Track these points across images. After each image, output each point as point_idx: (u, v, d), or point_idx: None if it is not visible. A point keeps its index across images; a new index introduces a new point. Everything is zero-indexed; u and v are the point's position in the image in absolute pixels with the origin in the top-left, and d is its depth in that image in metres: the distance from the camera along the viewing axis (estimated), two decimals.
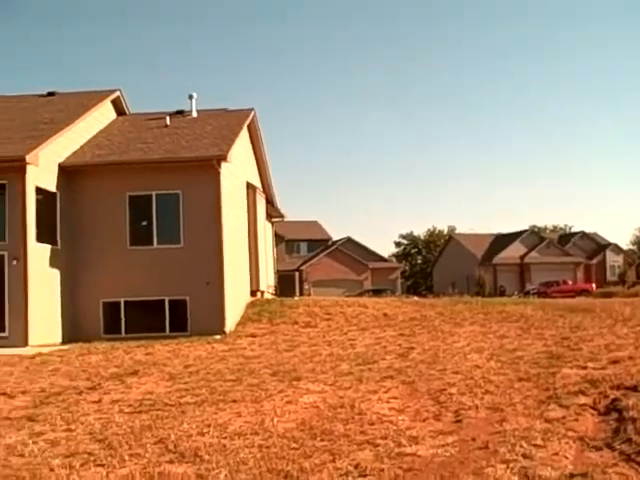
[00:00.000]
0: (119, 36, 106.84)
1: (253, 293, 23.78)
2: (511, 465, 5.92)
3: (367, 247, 65.69)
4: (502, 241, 70.69)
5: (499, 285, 62.97)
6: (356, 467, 6.18)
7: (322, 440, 7.08)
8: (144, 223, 20.38)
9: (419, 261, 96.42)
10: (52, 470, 6.24)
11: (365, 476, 6.00)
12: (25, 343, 17.77)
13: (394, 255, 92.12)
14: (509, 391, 8.77)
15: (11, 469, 6.32)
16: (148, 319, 19.91)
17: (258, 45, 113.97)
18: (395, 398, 8.96)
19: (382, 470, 6.07)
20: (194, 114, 24.73)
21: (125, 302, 20.03)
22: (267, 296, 25.38)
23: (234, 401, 9.23)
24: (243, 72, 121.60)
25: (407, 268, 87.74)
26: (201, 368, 12.29)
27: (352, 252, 62.06)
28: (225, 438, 7.34)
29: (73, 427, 8.04)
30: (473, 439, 6.81)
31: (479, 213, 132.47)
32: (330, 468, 6.18)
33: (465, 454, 6.35)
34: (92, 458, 6.68)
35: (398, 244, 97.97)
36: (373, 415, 8.07)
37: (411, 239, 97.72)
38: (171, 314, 19.90)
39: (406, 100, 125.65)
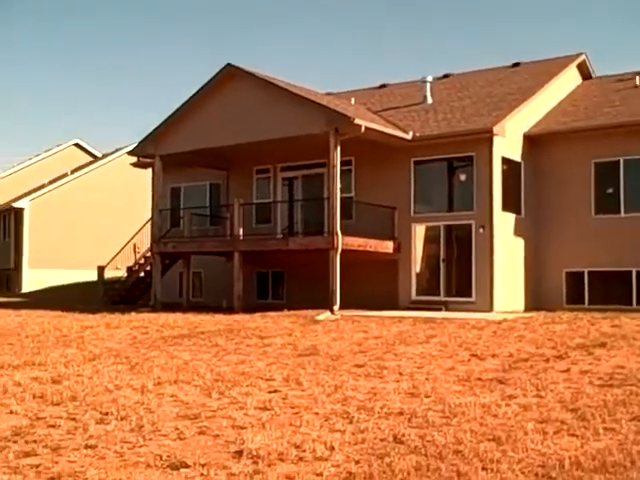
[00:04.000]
0: None
1: None
2: None
3: None
4: None
5: None
6: None
7: None
8: (610, 191, 19.51)
9: None
10: (526, 434, 6.30)
11: None
12: (490, 308, 18.46)
13: None
14: None
15: (487, 427, 6.55)
16: (612, 290, 19.14)
17: None
18: None
19: None
20: None
21: (589, 272, 19.49)
22: None
23: None
24: None
25: None
26: None
27: None
28: None
29: (543, 394, 8.03)
30: None
31: None
32: None
33: None
34: (564, 427, 6.57)
35: None
36: None
37: None
38: (639, 286, 18.80)
39: None
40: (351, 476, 5.20)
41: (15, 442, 6.13)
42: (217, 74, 20.77)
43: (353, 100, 23.70)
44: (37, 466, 5.42)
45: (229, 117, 20.57)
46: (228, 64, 20.59)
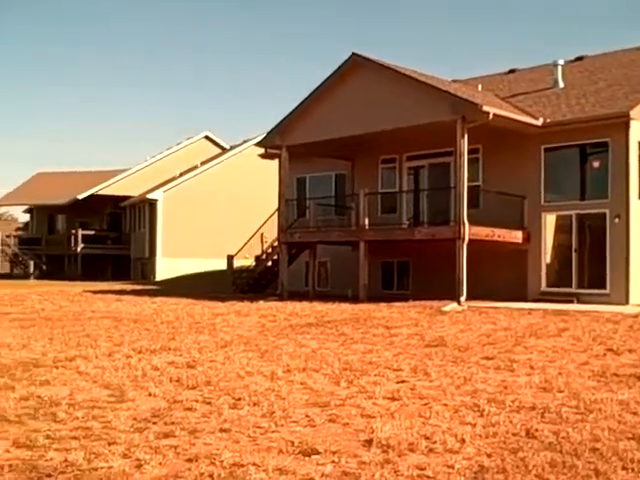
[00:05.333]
0: None
1: None
2: None
3: None
4: None
5: None
6: None
7: None
8: None
9: None
10: None
11: None
12: (625, 301, 17.67)
13: None
14: None
15: (626, 425, 6.27)
16: None
17: None
18: None
19: None
20: None
21: None
22: None
23: None
24: None
25: None
26: None
27: None
28: None
29: None
30: None
31: None
32: None
33: None
34: None
35: None
36: None
37: None
38: None
39: None
40: (483, 470, 5.11)
41: (154, 423, 6.40)
42: (343, 64, 20.85)
43: (480, 87, 23.21)
44: (175, 447, 5.64)
45: (354, 107, 20.62)
46: (353, 53, 20.64)
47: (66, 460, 5.28)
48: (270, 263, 25.22)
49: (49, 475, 5.01)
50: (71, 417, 6.60)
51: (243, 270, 26.59)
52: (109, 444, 5.70)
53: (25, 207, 56.97)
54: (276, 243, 24.28)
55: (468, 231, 17.99)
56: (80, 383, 8.22)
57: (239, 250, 26.75)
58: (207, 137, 47.19)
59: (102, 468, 5.12)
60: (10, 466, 5.14)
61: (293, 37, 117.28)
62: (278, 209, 23.31)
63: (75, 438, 5.87)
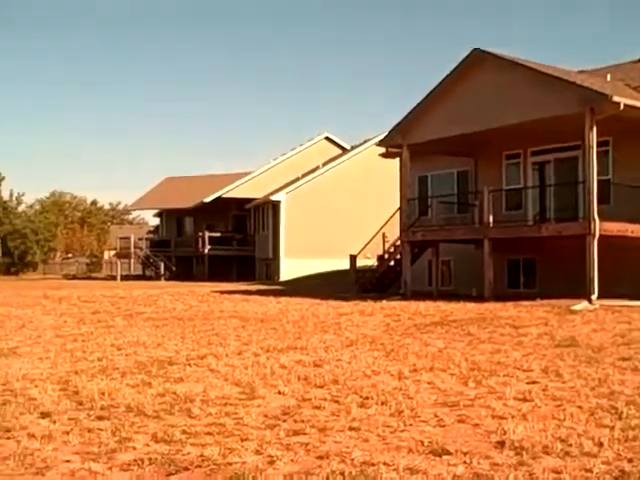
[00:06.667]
0: None
1: None
2: None
3: None
4: None
5: None
6: None
7: None
8: None
9: None
10: None
11: None
12: None
13: None
14: None
15: None
16: None
17: None
18: None
19: None
20: None
21: None
22: None
23: None
24: None
25: None
26: None
27: None
28: None
29: None
30: None
31: None
32: None
33: None
34: None
35: None
36: None
37: None
38: None
39: None
40: (624, 475, 4.88)
41: (284, 421, 6.51)
42: (464, 60, 20.53)
43: (609, 77, 22.26)
44: (306, 444, 5.71)
45: (476, 102, 20.27)
46: (475, 49, 20.28)
47: (202, 455, 5.45)
48: (392, 262, 25.15)
49: (186, 469, 5.19)
50: (205, 413, 6.81)
51: (365, 270, 26.65)
52: (242, 440, 5.84)
53: (155, 211, 59.47)
54: (398, 242, 24.20)
55: (599, 227, 17.31)
56: (212, 380, 8.47)
57: (361, 250, 26.83)
58: (327, 138, 47.65)
59: (236, 463, 5.25)
60: (150, 459, 5.36)
61: (412, 37, 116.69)
62: (400, 208, 23.23)
63: (209, 434, 6.05)
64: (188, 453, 5.52)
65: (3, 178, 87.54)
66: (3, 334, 13.51)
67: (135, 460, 5.34)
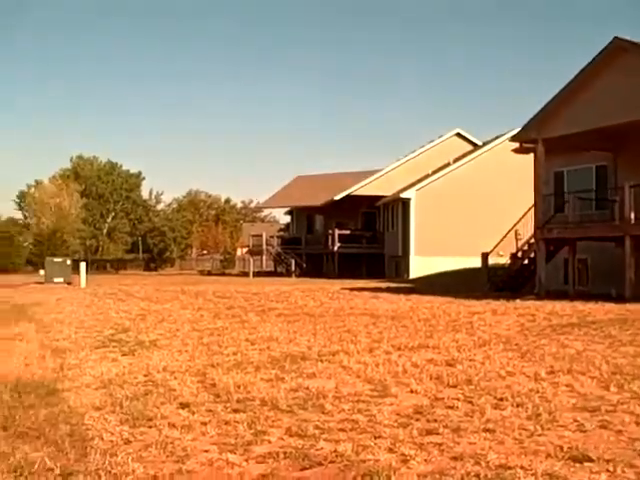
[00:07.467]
0: None
1: None
2: None
3: None
4: None
5: None
6: None
7: None
8: None
9: None
10: None
11: None
12: None
13: None
14: None
15: None
16: None
17: None
18: None
19: None
20: None
21: None
22: None
23: None
24: None
25: None
26: None
27: None
28: None
29: None
30: None
31: None
32: None
33: None
34: None
35: None
36: None
37: None
38: None
39: None
40: None
41: (417, 420, 6.45)
42: (603, 50, 19.70)
43: None
44: (439, 445, 5.63)
45: (617, 93, 19.40)
46: (615, 37, 19.41)
47: (335, 450, 5.47)
48: (526, 261, 24.45)
49: (320, 464, 5.23)
50: (337, 409, 6.85)
51: (498, 268, 26.05)
52: (375, 437, 5.83)
53: (286, 209, 60.59)
54: (532, 240, 23.51)
55: None
56: (344, 377, 8.52)
57: (493, 248, 26.26)
58: (458, 134, 46.94)
59: (369, 460, 5.24)
60: (284, 453, 5.44)
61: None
62: (534, 205, 22.55)
63: (342, 430, 6.08)
64: (321, 448, 5.56)
65: (143, 178, 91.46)
66: (144, 327, 14.18)
67: (270, 453, 5.45)
